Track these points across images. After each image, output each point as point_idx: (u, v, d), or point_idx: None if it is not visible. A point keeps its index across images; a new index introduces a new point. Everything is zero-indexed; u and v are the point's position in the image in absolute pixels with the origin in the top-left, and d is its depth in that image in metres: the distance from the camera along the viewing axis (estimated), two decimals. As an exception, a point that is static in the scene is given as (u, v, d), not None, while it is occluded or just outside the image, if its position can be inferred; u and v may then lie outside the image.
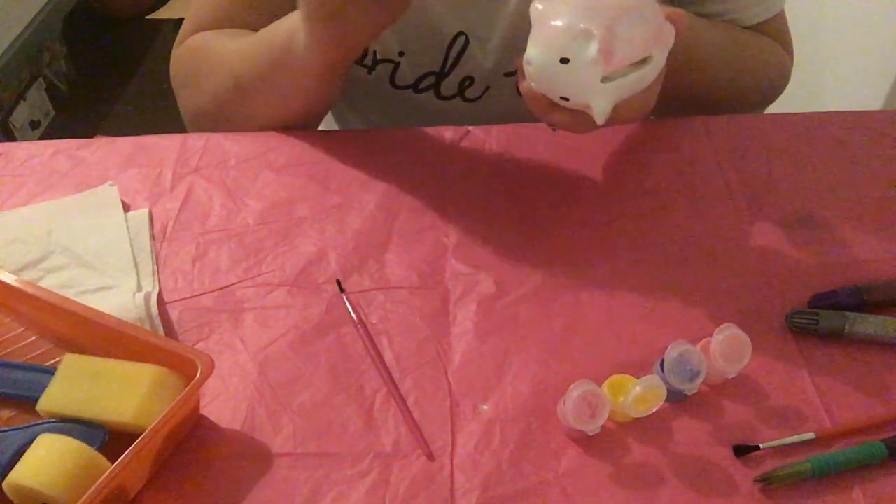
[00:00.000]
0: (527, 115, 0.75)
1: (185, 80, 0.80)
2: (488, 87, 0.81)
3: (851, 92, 1.38)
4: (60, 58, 2.04)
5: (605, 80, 0.54)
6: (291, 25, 0.67)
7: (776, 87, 0.86)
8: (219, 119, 0.77)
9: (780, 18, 0.83)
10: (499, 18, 0.77)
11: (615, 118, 0.57)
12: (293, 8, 0.65)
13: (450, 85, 0.81)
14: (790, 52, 0.86)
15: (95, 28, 2.28)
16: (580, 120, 0.58)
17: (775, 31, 0.83)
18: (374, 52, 0.79)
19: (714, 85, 0.78)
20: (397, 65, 0.80)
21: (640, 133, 0.75)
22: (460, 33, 0.77)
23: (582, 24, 0.53)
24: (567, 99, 0.56)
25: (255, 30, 0.75)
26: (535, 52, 0.55)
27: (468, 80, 0.81)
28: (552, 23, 0.54)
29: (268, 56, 0.71)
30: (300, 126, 0.75)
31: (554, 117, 0.59)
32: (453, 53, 0.78)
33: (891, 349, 0.58)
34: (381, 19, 0.63)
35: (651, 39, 0.55)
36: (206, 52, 0.77)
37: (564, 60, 0.54)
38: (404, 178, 0.70)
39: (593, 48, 0.53)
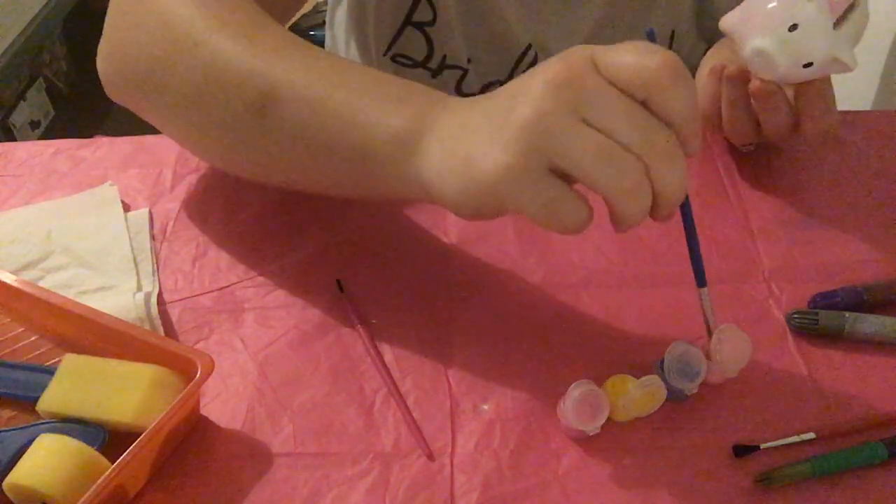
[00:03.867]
0: None
1: (126, 16, 0.56)
2: None
3: (850, 92, 1.38)
4: (60, 58, 2.04)
5: (836, 27, 0.56)
6: (401, 134, 0.44)
7: None
8: (141, 92, 0.56)
9: None
10: (572, 36, 0.76)
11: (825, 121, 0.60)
12: None
13: None
14: None
15: (95, 28, 2.28)
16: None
17: None
18: (444, 57, 0.78)
19: None
20: (465, 72, 0.78)
21: (640, 133, 0.74)
22: (530, 46, 0.76)
23: None
24: (811, 64, 0.57)
25: None
26: (762, 38, 0.57)
27: None
28: (766, 7, 0.57)
29: (338, 144, 0.46)
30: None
31: (781, 115, 0.60)
32: (522, 66, 0.77)
33: (891, 349, 0.58)
34: None
35: None
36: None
37: (793, 27, 0.56)
38: (404, 178, 0.70)
39: (813, 3, 0.55)
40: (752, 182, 0.70)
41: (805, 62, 0.57)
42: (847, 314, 0.58)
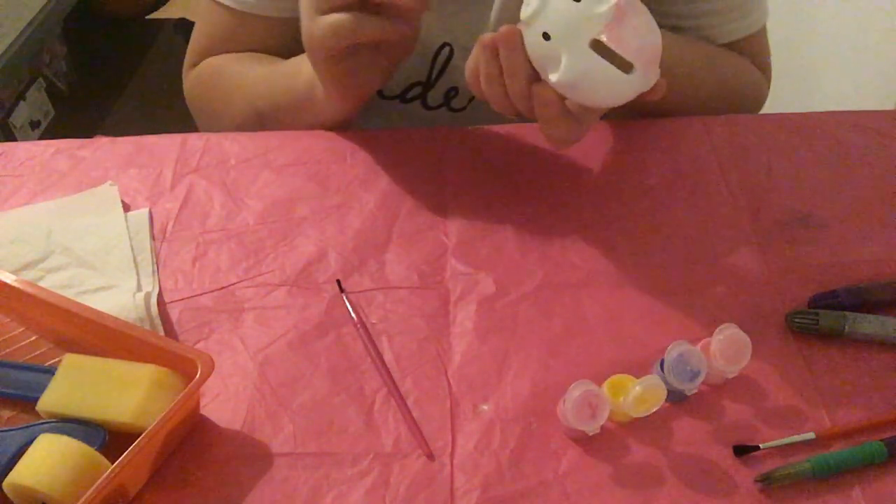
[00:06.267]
0: (511, 122, 0.75)
1: (203, 106, 0.83)
2: (473, 98, 0.81)
3: (851, 92, 1.38)
4: (60, 58, 2.04)
5: (591, 45, 0.54)
6: (310, 77, 0.68)
7: (750, 108, 0.83)
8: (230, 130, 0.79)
9: (758, 37, 0.80)
10: (483, 29, 0.76)
11: (552, 116, 0.58)
12: (293, 27, 0.66)
13: (436, 95, 0.81)
14: (767, 73, 0.83)
15: (95, 28, 2.28)
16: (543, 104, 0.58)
17: (753, 51, 0.80)
18: None
19: (685, 104, 0.76)
20: None
21: (640, 133, 0.75)
22: (445, 44, 0.77)
23: None
24: (548, 38, 0.55)
25: (260, 49, 0.79)
26: None
27: (453, 91, 0.81)
28: None
29: (289, 98, 0.74)
30: None
31: (506, 65, 0.58)
32: (438, 64, 0.79)
33: (891, 349, 0.58)
34: (388, 67, 0.66)
35: (647, 52, 0.55)
36: (222, 79, 0.80)
37: None
38: (404, 178, 0.70)
39: (609, 4, 0.52)
40: (752, 182, 0.70)
41: (546, 30, 0.54)
42: (847, 314, 0.58)
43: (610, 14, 0.52)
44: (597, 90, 0.56)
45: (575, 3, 0.53)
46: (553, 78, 0.56)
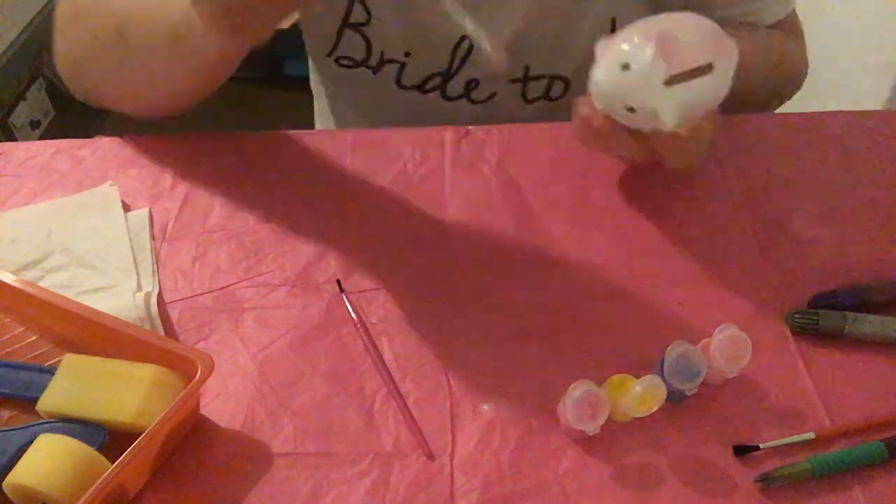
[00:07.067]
0: (534, 120, 0.75)
1: (64, 19, 0.70)
2: (494, 93, 0.81)
3: (851, 92, 1.38)
4: (60, 58, 2.04)
5: (668, 84, 0.55)
6: (186, 5, 0.59)
7: (799, 80, 0.87)
8: (91, 69, 0.69)
9: (794, 13, 0.84)
10: (504, 24, 0.76)
11: (685, 146, 0.59)
12: None
13: (456, 86, 0.81)
14: (804, 43, 0.87)
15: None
16: (643, 144, 0.59)
17: (792, 26, 0.84)
18: (382, 53, 0.79)
19: (747, 89, 0.75)
20: (403, 65, 0.79)
21: (640, 133, 0.74)
22: (464, 37, 0.77)
23: (638, 34, 0.56)
24: (633, 110, 0.57)
25: None
26: (599, 69, 0.58)
27: (474, 82, 0.80)
28: (615, 40, 0.57)
29: (159, 23, 0.63)
30: (184, 102, 0.68)
31: (613, 142, 0.60)
32: (459, 55, 0.78)
33: (891, 349, 0.58)
34: (282, 12, 0.57)
35: (710, 45, 0.56)
36: None
37: (626, 67, 0.55)
38: (404, 178, 0.70)
39: (650, 49, 0.54)
40: (753, 182, 0.70)
41: (627, 105, 0.57)
42: (847, 314, 0.58)
43: (657, 54, 0.54)
44: (703, 104, 0.57)
45: (624, 70, 0.55)
46: (667, 128, 0.56)
